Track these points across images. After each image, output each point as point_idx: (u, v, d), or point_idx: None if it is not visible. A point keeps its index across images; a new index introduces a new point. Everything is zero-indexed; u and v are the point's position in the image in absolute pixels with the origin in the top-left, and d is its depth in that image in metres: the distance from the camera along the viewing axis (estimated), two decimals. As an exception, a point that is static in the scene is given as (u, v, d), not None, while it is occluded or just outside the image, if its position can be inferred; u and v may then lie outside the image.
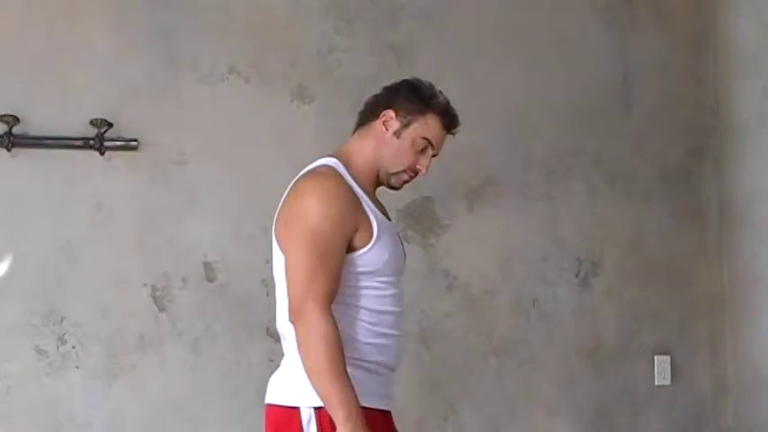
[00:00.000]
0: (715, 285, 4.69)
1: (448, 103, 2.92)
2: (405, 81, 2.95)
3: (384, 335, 2.80)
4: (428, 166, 2.90)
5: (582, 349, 4.53)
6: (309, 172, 2.83)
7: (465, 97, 4.32)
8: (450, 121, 2.92)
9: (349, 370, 2.69)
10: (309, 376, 2.65)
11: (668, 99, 4.71)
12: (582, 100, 4.60)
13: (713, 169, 4.72)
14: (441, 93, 2.92)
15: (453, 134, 2.95)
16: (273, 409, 2.77)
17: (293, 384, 2.73)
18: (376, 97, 2.94)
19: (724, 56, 4.71)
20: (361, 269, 2.75)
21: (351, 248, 2.74)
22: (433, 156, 2.91)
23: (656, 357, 4.60)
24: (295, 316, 2.67)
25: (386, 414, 2.82)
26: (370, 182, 2.87)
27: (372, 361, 2.76)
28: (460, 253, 4.42)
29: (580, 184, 4.58)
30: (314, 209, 2.71)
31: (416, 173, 2.91)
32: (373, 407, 2.75)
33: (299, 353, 2.67)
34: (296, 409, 2.70)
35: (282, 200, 2.84)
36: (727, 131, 4.67)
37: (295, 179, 2.85)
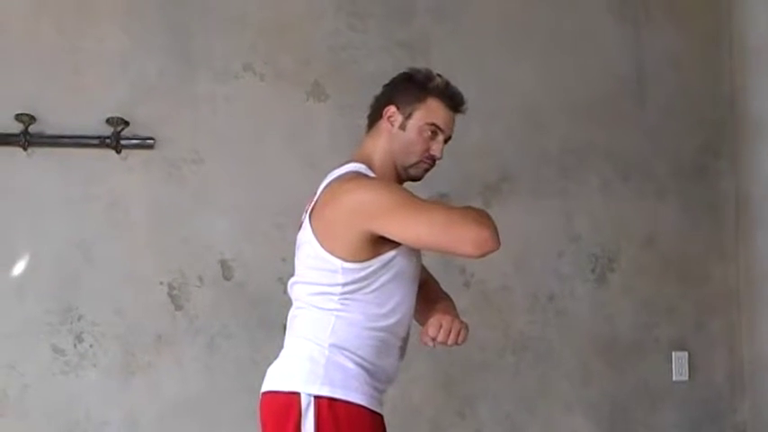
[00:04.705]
0: (731, 281, 4.68)
1: (447, 83, 2.89)
2: (400, 74, 2.95)
3: (386, 341, 2.80)
4: (442, 151, 2.89)
5: (598, 345, 4.53)
6: (346, 175, 2.81)
7: (479, 93, 4.33)
8: (452, 100, 2.88)
9: (351, 366, 2.71)
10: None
11: (683, 94, 4.70)
12: (596, 95, 4.60)
13: (728, 164, 4.70)
14: (439, 75, 2.90)
15: (462, 112, 2.92)
16: (271, 395, 2.77)
17: (293, 371, 2.74)
18: (377, 97, 2.94)
19: (739, 50, 4.69)
20: (384, 271, 2.75)
21: (381, 248, 2.73)
22: (447, 140, 2.89)
23: (673, 353, 4.59)
24: (457, 243, 2.69)
25: (381, 417, 2.81)
26: (393, 180, 2.87)
27: (373, 362, 2.77)
28: (476, 249, 4.40)
29: (595, 179, 4.57)
30: (371, 191, 2.74)
31: (433, 159, 2.89)
32: (372, 408, 2.75)
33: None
34: (296, 395, 2.69)
35: (312, 207, 2.81)
36: (743, 126, 4.66)
37: (326, 184, 2.82)
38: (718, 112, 4.72)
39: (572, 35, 4.61)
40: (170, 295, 4.13)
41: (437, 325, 2.74)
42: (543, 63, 4.56)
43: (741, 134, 4.67)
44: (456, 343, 2.73)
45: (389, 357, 2.82)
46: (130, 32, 4.18)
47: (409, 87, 2.88)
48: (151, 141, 4.12)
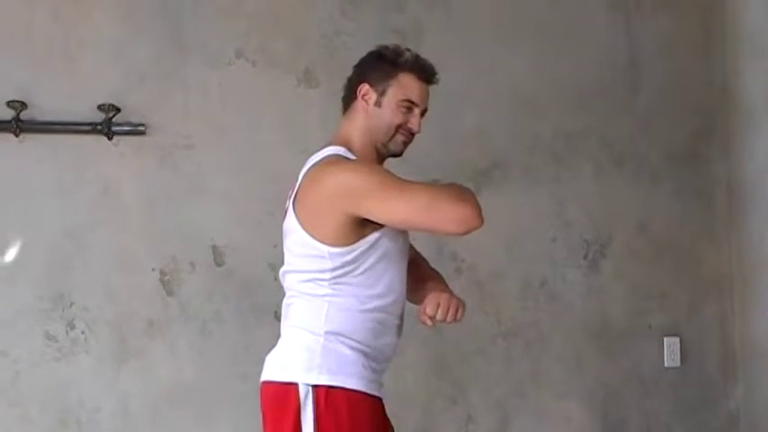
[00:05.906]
0: (723, 266, 4.69)
1: (417, 56, 2.91)
2: (369, 52, 2.98)
3: (383, 321, 2.81)
4: (420, 124, 2.90)
5: (590, 331, 4.54)
6: (326, 158, 2.82)
7: (472, 80, 4.35)
8: (423, 72, 2.90)
9: (348, 352, 2.72)
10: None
11: (675, 80, 4.70)
12: (589, 81, 4.60)
13: (721, 150, 4.71)
14: (408, 50, 2.92)
15: (435, 83, 2.93)
16: (270, 385, 2.80)
17: (291, 360, 2.76)
18: (350, 78, 2.97)
19: (732, 36, 4.69)
20: (371, 252, 2.76)
21: (365, 230, 2.74)
22: (423, 113, 2.91)
23: (665, 339, 4.60)
24: (443, 222, 2.72)
25: (381, 401, 2.82)
26: (373, 159, 2.88)
27: (370, 345, 2.78)
28: (468, 236, 4.39)
29: (587, 165, 4.58)
30: (353, 174, 2.75)
31: (410, 131, 2.90)
32: (371, 392, 2.77)
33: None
34: (293, 385, 2.71)
35: (294, 194, 2.83)
36: (736, 112, 4.66)
37: (306, 169, 2.83)
38: (711, 99, 4.72)
39: (564, 22, 4.60)
40: (162, 281, 4.13)
41: (435, 303, 2.76)
42: (536, 50, 4.55)
43: (733, 120, 4.67)
44: (455, 320, 2.75)
45: (387, 337, 2.83)
46: (123, 19, 4.17)
47: (380, 64, 2.91)
48: (143, 128, 4.11)
